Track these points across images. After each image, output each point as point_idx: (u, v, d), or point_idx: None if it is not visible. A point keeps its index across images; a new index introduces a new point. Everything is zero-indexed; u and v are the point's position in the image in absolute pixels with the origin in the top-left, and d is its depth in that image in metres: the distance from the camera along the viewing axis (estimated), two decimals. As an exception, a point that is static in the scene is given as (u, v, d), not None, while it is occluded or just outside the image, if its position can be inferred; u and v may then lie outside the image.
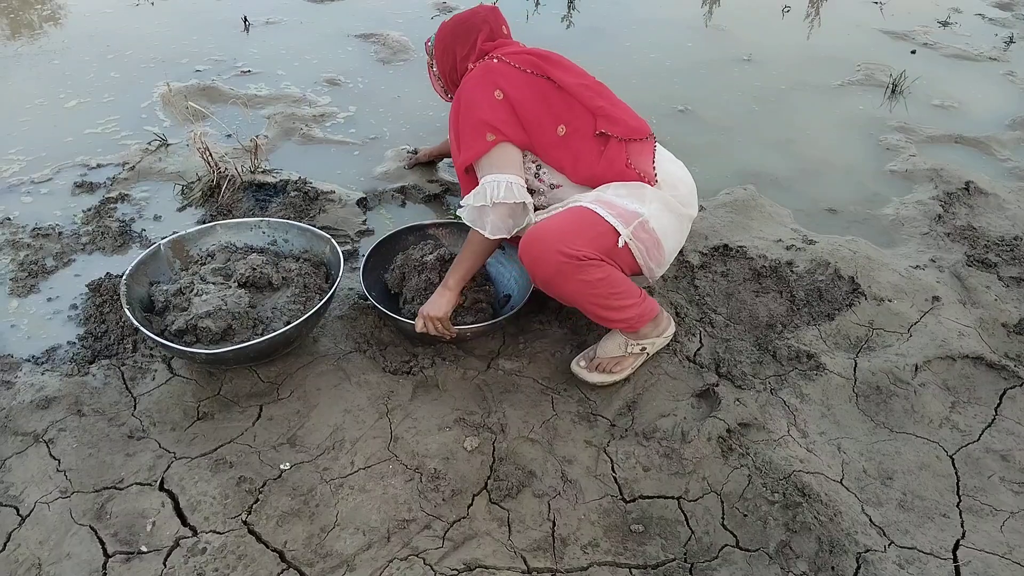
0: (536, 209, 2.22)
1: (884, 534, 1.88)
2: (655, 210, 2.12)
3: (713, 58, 4.64)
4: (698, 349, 2.39)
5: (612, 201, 2.10)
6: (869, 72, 4.53)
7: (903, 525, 1.91)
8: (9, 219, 2.93)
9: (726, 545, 1.84)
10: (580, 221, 2.06)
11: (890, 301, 2.62)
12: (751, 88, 4.27)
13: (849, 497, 1.96)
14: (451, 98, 2.36)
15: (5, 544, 1.79)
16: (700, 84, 4.27)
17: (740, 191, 3.26)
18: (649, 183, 2.17)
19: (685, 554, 1.82)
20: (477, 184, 2.13)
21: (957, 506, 1.97)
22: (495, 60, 2.17)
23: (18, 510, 1.86)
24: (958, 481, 2.03)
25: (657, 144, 2.27)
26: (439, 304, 2.18)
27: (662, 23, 5.17)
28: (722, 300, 2.60)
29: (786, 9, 5.60)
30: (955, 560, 1.83)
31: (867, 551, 1.82)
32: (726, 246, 2.86)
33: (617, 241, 2.05)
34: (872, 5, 5.77)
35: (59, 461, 1.98)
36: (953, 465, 2.08)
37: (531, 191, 2.21)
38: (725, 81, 4.36)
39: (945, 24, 5.46)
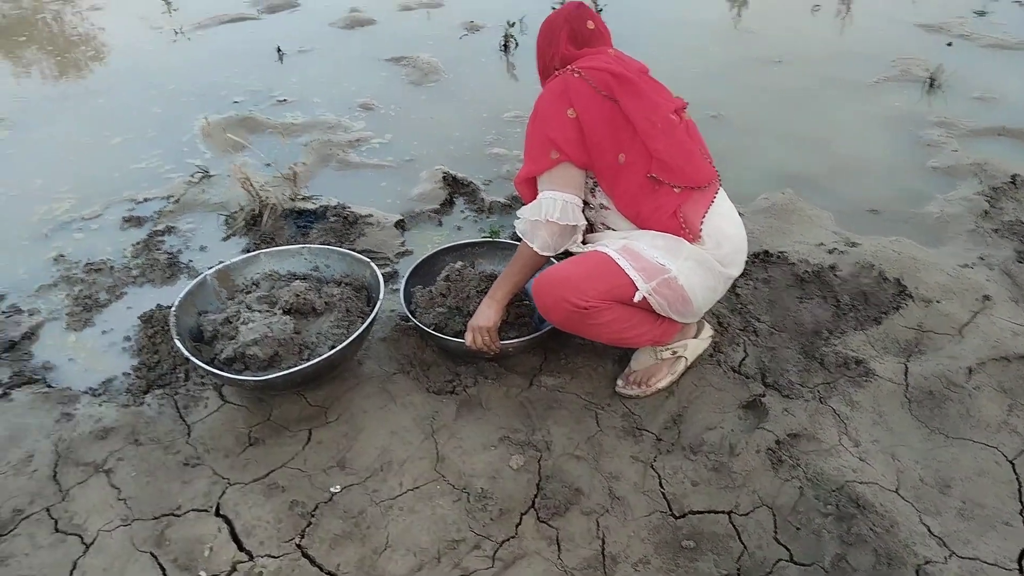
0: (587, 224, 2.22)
1: (944, 544, 1.83)
2: (687, 267, 2.06)
3: (743, 61, 4.61)
4: (743, 359, 2.37)
5: (640, 253, 2.06)
6: (905, 67, 4.46)
7: (964, 535, 1.86)
8: (63, 256, 3.03)
9: (780, 560, 1.81)
10: (595, 269, 2.06)
11: (939, 302, 2.56)
12: (784, 90, 4.23)
13: (906, 507, 1.92)
14: None
15: (71, 572, 1.84)
16: (731, 88, 4.24)
17: (778, 195, 3.23)
18: (691, 238, 2.08)
19: (738, 570, 1.80)
20: (535, 194, 2.15)
21: (1020, 513, 1.91)
22: (575, 75, 2.11)
23: (82, 538, 1.92)
24: (1020, 487, 1.97)
25: (720, 193, 2.18)
26: (487, 315, 2.20)
27: (689, 26, 5.16)
28: (765, 308, 2.58)
29: (816, 8, 5.54)
30: (1020, 570, 1.78)
31: (927, 563, 1.78)
32: (767, 252, 2.83)
33: (634, 294, 2.04)
34: (905, -1, 5.68)
35: (119, 490, 2.03)
36: (1014, 470, 2.02)
37: (585, 203, 2.20)
38: (757, 84, 4.32)
39: (981, 14, 5.35)
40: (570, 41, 2.19)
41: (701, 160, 2.15)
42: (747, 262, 2.76)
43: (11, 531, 1.93)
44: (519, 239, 2.21)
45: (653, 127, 2.06)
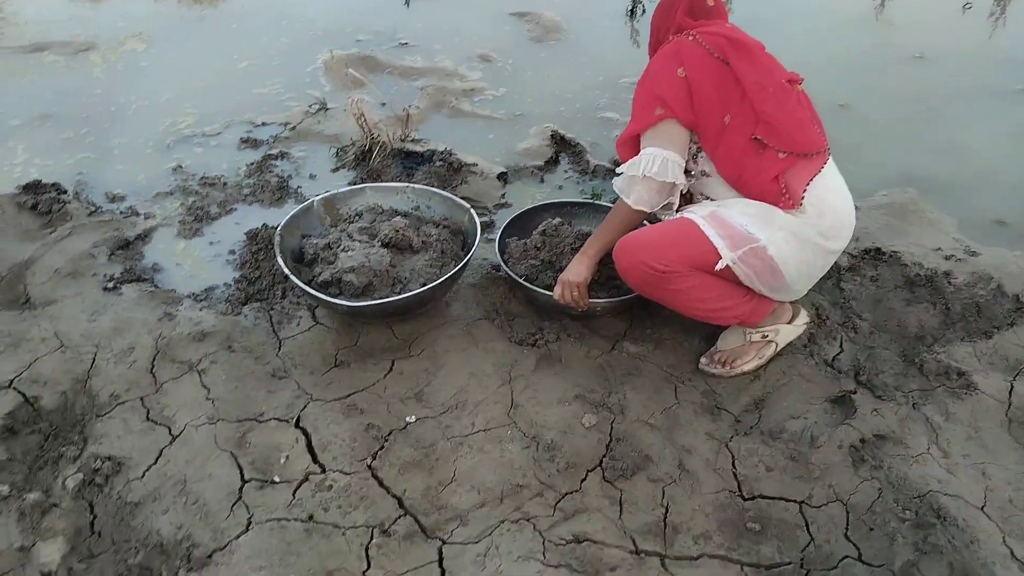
0: (680, 195, 2.18)
1: (1026, 570, 1.74)
2: (779, 237, 1.99)
3: (881, 53, 4.38)
4: (837, 354, 2.28)
5: (728, 220, 2.01)
6: (1059, 77, 4.14)
7: (1050, 564, 1.76)
8: (182, 167, 3.18)
9: (847, 556, 1.76)
10: (678, 235, 2.03)
11: (1059, 325, 2.40)
12: (920, 87, 4.00)
13: (990, 525, 1.82)
14: None
15: (157, 459, 1.96)
16: (864, 80, 4.04)
17: (899, 194, 3.07)
18: (791, 205, 2.00)
19: (802, 559, 1.75)
20: (634, 155, 2.12)
21: (1116, 552, 1.79)
22: (690, 37, 2.09)
23: (170, 430, 2.04)
24: (1120, 525, 1.85)
25: (829, 164, 2.09)
26: (579, 270, 2.19)
27: (828, 14, 4.93)
28: (869, 306, 2.47)
29: (967, 6, 5.20)
30: (1108, 609, 1.67)
31: (1005, 585, 1.69)
32: (878, 250, 2.71)
33: (716, 262, 1.99)
34: (1070, 6, 5.26)
35: (208, 390, 2.14)
36: (1116, 508, 1.89)
37: (686, 171, 2.15)
38: (892, 78, 4.10)
39: None
40: (687, 13, 2.16)
41: (810, 127, 2.08)
42: (856, 258, 2.67)
43: (107, 413, 2.07)
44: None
45: (763, 90, 2.02)
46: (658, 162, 2.04)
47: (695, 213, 2.07)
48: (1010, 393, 2.17)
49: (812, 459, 1.97)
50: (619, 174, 2.16)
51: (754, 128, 2.02)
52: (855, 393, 2.15)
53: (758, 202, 2.04)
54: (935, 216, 2.96)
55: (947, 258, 2.69)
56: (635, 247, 2.06)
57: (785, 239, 2.00)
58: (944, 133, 3.58)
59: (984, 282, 2.56)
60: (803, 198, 2.01)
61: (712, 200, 2.16)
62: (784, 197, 2.00)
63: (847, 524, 1.82)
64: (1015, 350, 2.32)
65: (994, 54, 4.46)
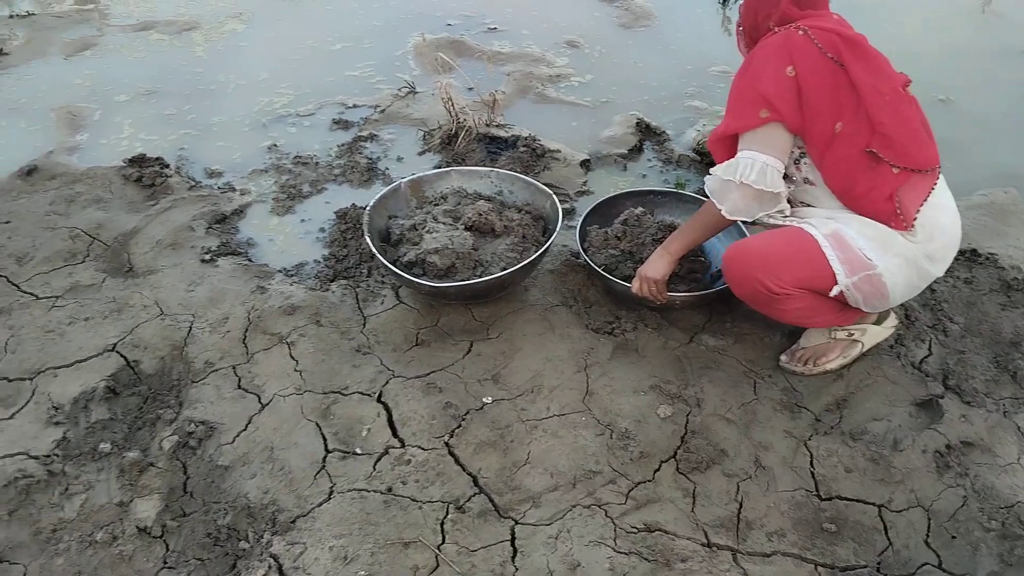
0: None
1: (1120, 592, 1.67)
2: (894, 264, 1.92)
3: (986, 46, 4.17)
4: (925, 356, 2.22)
5: (848, 242, 1.92)
6: None
7: None
8: (276, 145, 3.30)
9: (926, 563, 1.72)
10: (797, 252, 1.94)
11: None
12: (1026, 83, 3.81)
13: (1081, 543, 1.75)
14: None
15: (247, 425, 2.06)
16: (967, 73, 3.86)
17: (999, 194, 2.94)
18: (903, 226, 1.91)
19: (879, 564, 1.73)
20: (729, 156, 2.03)
21: None
22: (800, 32, 1.93)
23: (260, 398, 2.14)
24: None
25: (940, 180, 2.00)
26: (658, 267, 2.17)
27: (932, 3, 4.72)
28: (961, 308, 2.38)
29: (1086, -3, 4.89)
30: None
31: (1095, 605, 1.63)
32: (974, 251, 2.60)
33: (832, 287, 1.92)
34: None
35: (297, 362, 2.23)
36: None
37: (785, 176, 2.02)
38: (997, 72, 3.91)
39: None
40: (794, 2, 1.98)
41: (927, 139, 1.96)
42: (950, 257, 2.57)
43: (202, 380, 2.18)
44: (705, 195, 2.15)
45: (881, 97, 1.89)
46: (757, 168, 1.94)
47: (816, 228, 1.96)
48: (1111, 407, 2.07)
49: (894, 462, 1.93)
50: (711, 174, 2.06)
51: (869, 139, 1.90)
52: (943, 398, 2.09)
53: (876, 223, 1.93)
54: (1038, 218, 2.83)
55: (1049, 262, 2.57)
56: (750, 260, 1.97)
57: (899, 266, 1.93)
58: (1052, 131, 3.41)
59: (1088, 289, 2.44)
60: (916, 219, 1.91)
61: (812, 207, 2.07)
62: (898, 217, 1.91)
63: (928, 531, 1.79)
64: (1119, 362, 2.21)
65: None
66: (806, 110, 1.92)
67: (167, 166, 3.12)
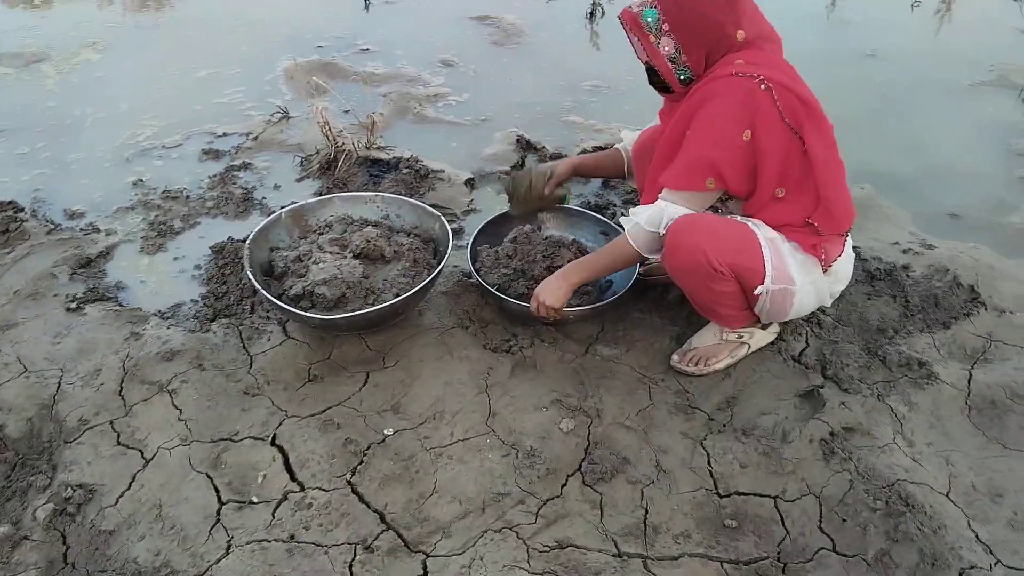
0: None
1: (991, 552, 1.80)
2: (807, 289, 2.07)
3: (835, 51, 4.48)
4: (804, 349, 2.34)
5: (782, 254, 2.02)
6: (1003, 72, 4.28)
7: (1012, 545, 1.82)
8: (142, 180, 3.13)
9: (822, 548, 1.81)
10: (742, 241, 2.00)
11: (1012, 313, 2.48)
12: (874, 84, 4.11)
13: (955, 511, 1.89)
14: (682, 85, 2.03)
15: (130, 484, 1.93)
16: (819, 78, 4.02)
17: (856, 190, 3.13)
18: (823, 268, 2.06)
19: (779, 553, 1.80)
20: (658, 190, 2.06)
21: (1075, 532, 1.86)
22: (763, 87, 1.87)
23: (143, 453, 2.01)
24: (1077, 505, 1.93)
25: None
26: (557, 296, 2.17)
27: (779, 12, 5.01)
28: (832, 301, 2.52)
29: (916, 4, 5.33)
30: (1069, 587, 1.74)
31: (971, 567, 1.75)
32: (838, 246, 2.77)
33: (756, 287, 2.02)
34: (1010, 1, 5.42)
35: (180, 411, 2.12)
36: (1071, 488, 1.97)
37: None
38: (846, 76, 4.20)
39: (1092, 23, 5.08)
40: (751, 21, 1.94)
41: (851, 203, 2.08)
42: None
43: (76, 439, 2.03)
44: (591, 209, 2.19)
45: (828, 169, 1.93)
46: None
47: (759, 229, 2.02)
48: (969, 382, 2.25)
49: (785, 454, 2.01)
50: (629, 215, 2.10)
51: (811, 211, 1.98)
52: (822, 387, 2.21)
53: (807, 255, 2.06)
54: (891, 211, 3.04)
55: (904, 252, 2.77)
56: (700, 233, 1.97)
57: (808, 292, 2.09)
58: (898, 129, 3.69)
59: (940, 274, 2.64)
60: (831, 266, 2.06)
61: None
62: (822, 262, 2.04)
63: (821, 516, 1.87)
64: (972, 339, 2.40)
65: (942, 50, 4.60)
66: (756, 175, 1.96)
67: (21, 210, 2.91)
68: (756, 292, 2.03)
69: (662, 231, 2.02)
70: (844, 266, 2.15)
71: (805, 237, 2.04)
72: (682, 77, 2.01)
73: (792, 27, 4.71)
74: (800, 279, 2.04)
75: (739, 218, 2.07)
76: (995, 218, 3.07)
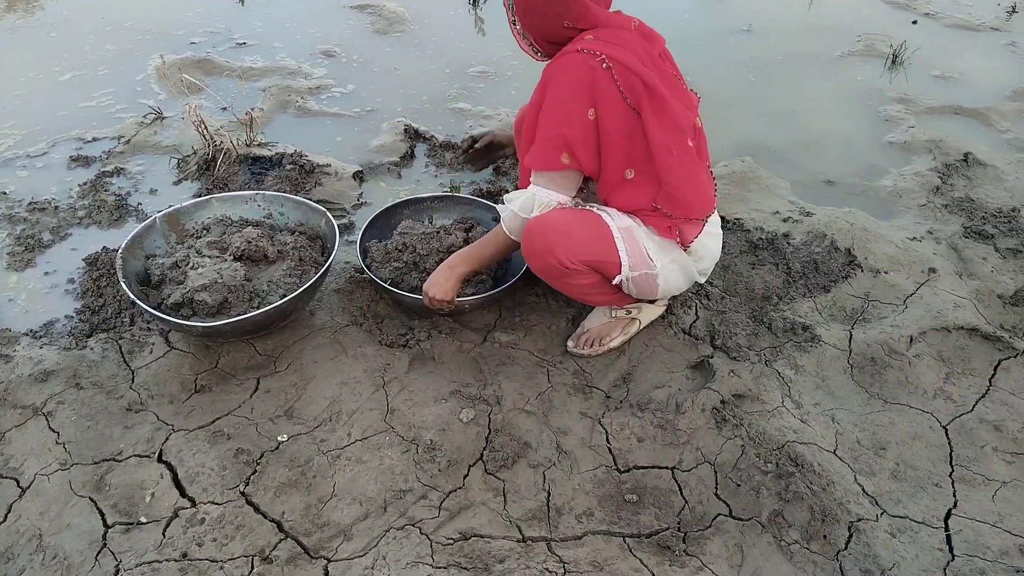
0: None
1: (876, 503, 1.89)
2: (669, 268, 2.11)
3: (711, 28, 4.60)
4: (693, 321, 2.40)
5: (637, 239, 2.05)
6: (869, 43, 4.49)
7: (895, 495, 1.92)
8: (5, 193, 2.92)
9: (719, 514, 1.86)
10: (594, 237, 2.03)
11: (886, 273, 2.62)
12: (750, 59, 4.24)
13: (842, 467, 1.98)
14: (543, 57, 2.09)
15: (6, 516, 1.81)
16: (697, 55, 4.23)
17: (737, 163, 3.25)
18: (681, 248, 2.13)
19: (679, 523, 1.84)
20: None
21: (950, 476, 1.98)
22: (604, 66, 1.88)
23: (18, 482, 1.89)
24: (951, 451, 2.05)
25: (714, 213, 2.19)
26: (445, 288, 2.15)
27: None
28: (718, 272, 2.60)
29: (787, -22, 5.52)
30: (947, 529, 1.85)
31: (859, 520, 1.84)
32: (723, 219, 2.85)
33: (616, 276, 2.06)
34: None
35: (58, 434, 2.00)
36: (947, 436, 2.09)
37: None
38: (723, 52, 4.32)
39: (948, -7, 5.38)
40: (583, 17, 1.94)
41: (707, 190, 2.12)
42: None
43: (-57, 473, 1.89)
44: (480, 196, 2.17)
45: (669, 155, 1.95)
46: (554, 207, 2.04)
47: (613, 219, 2.05)
48: (849, 341, 2.35)
49: (679, 425, 2.06)
50: (505, 203, 2.11)
51: (655, 195, 2.01)
52: (712, 357, 2.27)
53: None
54: (771, 181, 3.15)
55: (785, 220, 2.88)
56: (551, 235, 2.00)
57: (672, 271, 2.13)
58: (774, 101, 3.82)
59: (819, 240, 2.75)
60: (690, 246, 2.12)
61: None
62: (677, 243, 2.10)
63: (716, 484, 1.93)
64: (851, 300, 2.52)
65: (813, 23, 4.78)
66: (602, 155, 1.99)
67: None
68: (614, 282, 2.08)
69: (533, 216, 2.04)
70: (706, 245, 2.17)
71: (660, 220, 2.07)
72: (539, 55, 2.11)
73: (668, 8, 4.82)
74: (660, 261, 2.09)
75: (595, 208, 2.10)
76: (867, 182, 3.22)
